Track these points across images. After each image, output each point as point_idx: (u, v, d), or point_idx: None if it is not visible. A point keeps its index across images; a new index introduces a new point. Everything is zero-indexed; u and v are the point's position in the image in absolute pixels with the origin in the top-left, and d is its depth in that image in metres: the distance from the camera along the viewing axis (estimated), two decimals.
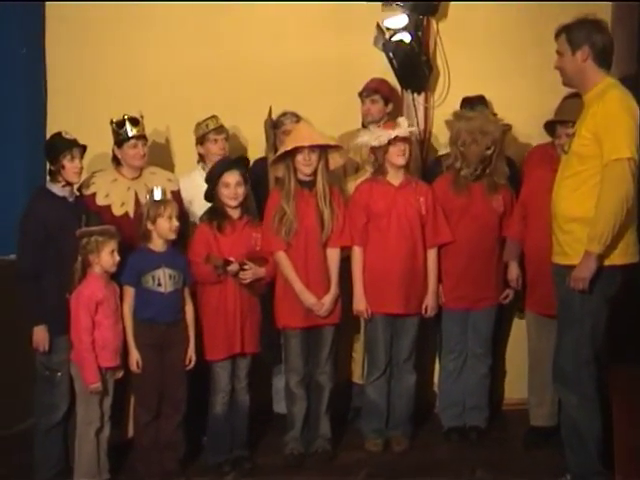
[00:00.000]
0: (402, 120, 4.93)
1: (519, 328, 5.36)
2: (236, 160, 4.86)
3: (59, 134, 4.64)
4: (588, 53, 4.04)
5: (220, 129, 5.08)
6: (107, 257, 4.44)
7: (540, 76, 5.26)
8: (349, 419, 5.35)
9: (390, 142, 4.81)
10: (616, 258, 4.01)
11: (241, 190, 4.71)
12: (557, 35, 4.14)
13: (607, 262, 3.99)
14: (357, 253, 4.89)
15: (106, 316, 4.45)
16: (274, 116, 5.14)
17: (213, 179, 4.71)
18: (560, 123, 4.77)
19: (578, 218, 4.01)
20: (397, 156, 4.84)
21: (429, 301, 4.93)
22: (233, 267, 4.64)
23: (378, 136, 4.84)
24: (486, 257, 5.04)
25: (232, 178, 4.69)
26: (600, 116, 3.93)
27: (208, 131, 5.07)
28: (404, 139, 4.82)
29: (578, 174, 4.02)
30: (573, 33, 4.07)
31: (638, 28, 5.57)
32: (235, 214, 4.75)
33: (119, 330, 4.52)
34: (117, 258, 4.46)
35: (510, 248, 5.00)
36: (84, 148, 4.65)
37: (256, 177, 4.96)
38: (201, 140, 5.12)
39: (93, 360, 4.39)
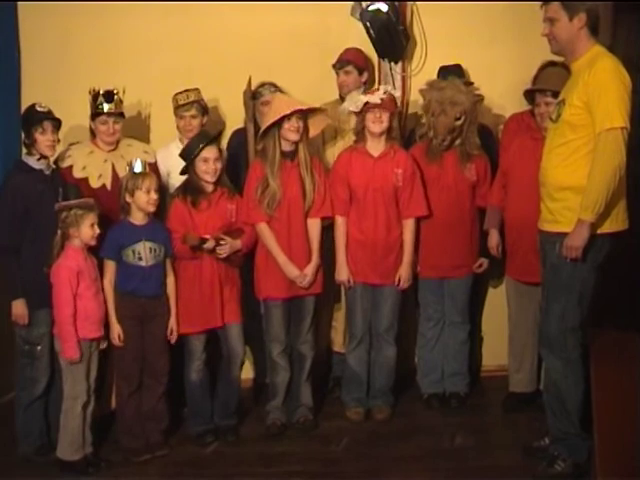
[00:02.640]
0: (382, 87, 4.94)
1: (497, 295, 5.42)
2: (214, 136, 4.84)
3: (33, 106, 4.59)
4: (585, 20, 4.01)
5: (188, 106, 4.99)
6: (87, 230, 4.41)
7: (517, 45, 5.31)
8: (329, 388, 5.39)
9: (366, 109, 4.82)
10: (607, 226, 4.04)
11: (219, 165, 4.70)
12: (546, 1, 4.07)
13: (599, 230, 4.01)
14: (340, 223, 4.91)
15: (87, 287, 4.43)
16: (253, 87, 5.09)
17: (191, 154, 4.68)
18: (539, 92, 4.78)
19: (570, 186, 4.01)
20: (372, 123, 4.83)
21: (402, 272, 4.94)
22: (209, 244, 4.63)
23: (355, 101, 4.86)
24: (459, 226, 5.06)
25: (211, 153, 4.67)
26: (592, 85, 3.91)
27: (177, 106, 5.02)
28: (381, 106, 4.80)
29: (569, 143, 4.02)
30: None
31: None
32: (209, 188, 4.73)
33: (101, 300, 4.51)
34: (97, 231, 4.43)
35: (491, 216, 5.03)
36: (58, 121, 4.58)
37: (234, 148, 4.94)
38: (175, 113, 5.07)
39: (73, 333, 4.37)
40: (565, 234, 4.02)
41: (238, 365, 4.84)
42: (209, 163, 4.66)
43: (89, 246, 4.48)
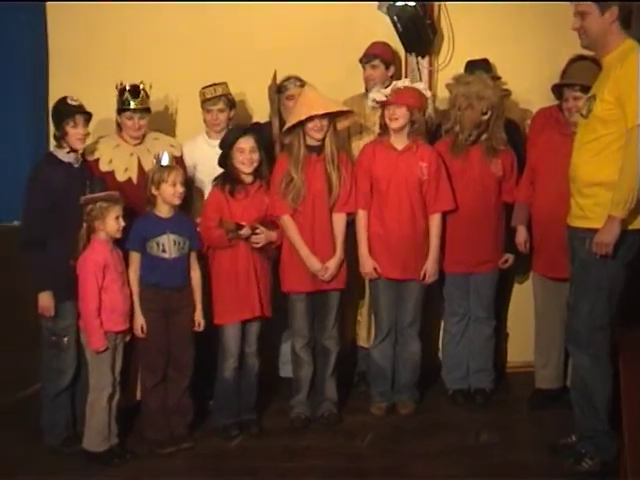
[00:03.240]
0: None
1: (523, 291, 5.40)
2: (251, 126, 4.85)
3: (64, 99, 4.60)
4: (617, 14, 3.95)
5: (215, 100, 4.99)
6: (112, 223, 4.43)
7: (544, 39, 5.29)
8: (354, 383, 5.37)
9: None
10: (638, 222, 3.99)
11: (256, 156, 4.71)
12: None
13: (629, 227, 3.97)
14: (361, 216, 4.89)
15: (113, 280, 4.45)
16: (278, 81, 5.09)
17: (227, 145, 4.70)
18: (567, 86, 4.75)
19: (601, 182, 3.97)
20: (388, 119, 4.82)
21: (428, 267, 4.90)
22: (245, 231, 4.65)
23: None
24: (485, 221, 5.03)
25: (247, 144, 4.68)
26: (623, 79, 3.86)
27: (204, 100, 5.03)
28: (393, 102, 4.77)
29: (600, 138, 3.97)
30: None
31: None
32: (248, 179, 4.74)
33: (127, 293, 4.53)
34: (122, 224, 4.45)
35: (519, 212, 5.00)
36: (89, 115, 4.60)
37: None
38: (202, 107, 5.08)
39: (99, 326, 4.40)
40: (595, 230, 3.98)
41: (257, 359, 4.83)
42: (245, 153, 4.67)
43: (115, 239, 4.50)
